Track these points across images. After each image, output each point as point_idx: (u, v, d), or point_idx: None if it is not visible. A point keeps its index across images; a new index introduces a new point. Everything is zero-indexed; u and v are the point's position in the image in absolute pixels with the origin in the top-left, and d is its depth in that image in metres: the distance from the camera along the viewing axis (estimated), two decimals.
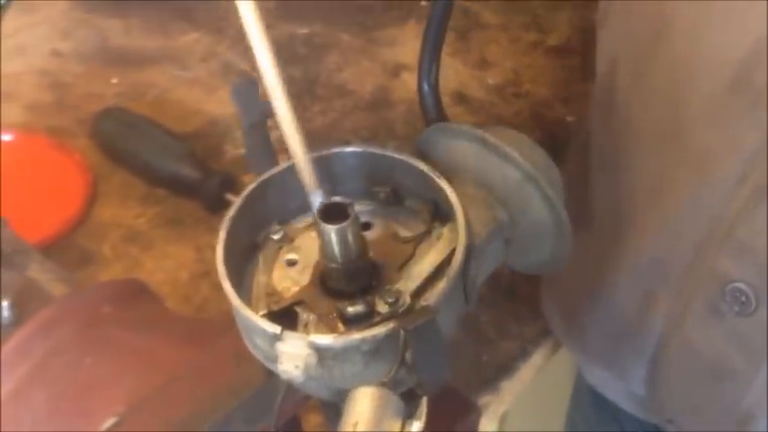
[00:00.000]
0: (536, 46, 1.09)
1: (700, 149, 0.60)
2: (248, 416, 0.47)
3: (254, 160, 0.49)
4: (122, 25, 1.09)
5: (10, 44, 1.04)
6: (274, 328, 0.41)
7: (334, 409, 0.46)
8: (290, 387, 0.44)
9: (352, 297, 0.44)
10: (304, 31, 1.06)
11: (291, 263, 0.47)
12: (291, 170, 0.48)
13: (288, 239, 0.48)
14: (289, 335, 0.41)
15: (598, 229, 0.72)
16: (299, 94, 0.99)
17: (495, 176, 0.49)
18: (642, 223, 0.66)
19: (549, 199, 0.48)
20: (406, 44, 1.07)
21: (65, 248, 0.84)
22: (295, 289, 0.45)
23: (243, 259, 0.47)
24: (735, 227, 0.59)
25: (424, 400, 0.39)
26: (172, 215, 0.88)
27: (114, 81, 1.02)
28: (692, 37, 0.58)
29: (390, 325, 0.41)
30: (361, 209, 0.49)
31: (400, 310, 0.43)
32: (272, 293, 0.46)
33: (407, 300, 0.43)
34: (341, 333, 0.42)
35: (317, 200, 0.44)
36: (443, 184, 0.46)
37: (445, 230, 0.47)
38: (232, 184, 0.86)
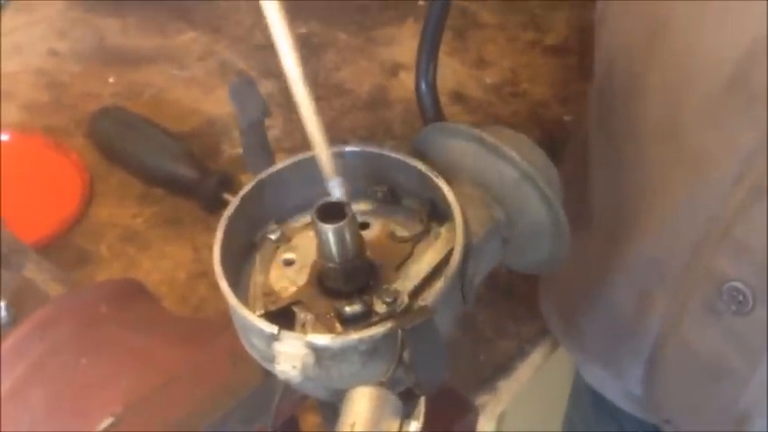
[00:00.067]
0: (534, 45, 1.09)
1: (697, 149, 0.60)
2: (245, 416, 0.47)
3: (251, 160, 0.49)
4: (119, 25, 1.09)
5: (7, 43, 1.04)
6: (271, 328, 0.41)
7: (331, 409, 0.46)
8: (287, 387, 0.44)
9: (349, 297, 0.44)
10: (302, 30, 1.06)
11: (289, 262, 0.47)
12: (289, 169, 0.48)
13: (285, 239, 0.48)
14: (286, 335, 0.41)
15: (596, 228, 0.72)
16: None
17: (492, 176, 0.48)
18: (640, 223, 0.66)
19: (547, 198, 0.48)
20: (404, 43, 1.07)
21: (62, 248, 0.84)
22: (292, 289, 0.45)
23: (240, 259, 0.47)
24: (732, 226, 0.59)
25: (422, 400, 0.39)
26: (169, 215, 0.88)
27: (111, 80, 1.02)
28: (688, 37, 0.58)
29: (388, 325, 0.41)
30: (358, 208, 0.48)
31: (398, 310, 0.43)
32: (269, 293, 0.46)
33: (405, 299, 0.43)
34: (338, 333, 0.42)
35: (335, 188, 0.44)
36: (441, 183, 0.46)
37: (443, 230, 0.47)
38: (229, 184, 0.86)
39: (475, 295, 0.47)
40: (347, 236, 0.42)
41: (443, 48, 0.59)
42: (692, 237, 0.62)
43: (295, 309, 0.44)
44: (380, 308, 0.43)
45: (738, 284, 0.60)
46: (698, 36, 0.57)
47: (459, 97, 1.01)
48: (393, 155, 0.48)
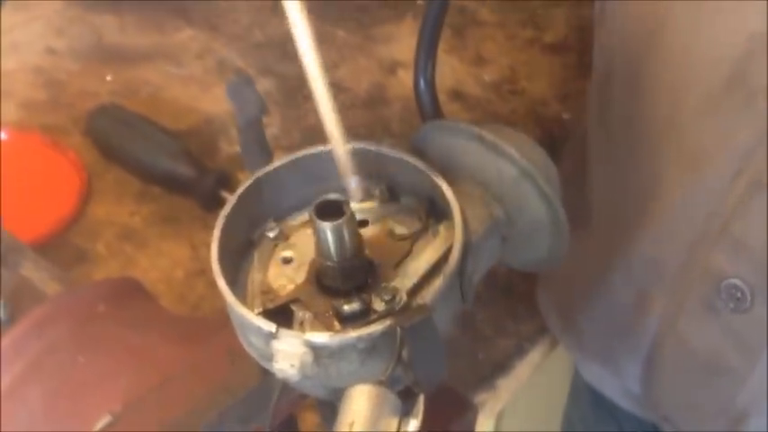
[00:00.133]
0: (532, 43, 1.08)
1: (695, 146, 0.60)
2: (243, 414, 0.47)
3: (249, 158, 0.49)
4: (117, 23, 1.08)
5: (4, 42, 1.04)
6: (269, 327, 0.41)
7: (330, 407, 0.46)
8: (285, 386, 0.44)
9: (348, 295, 0.44)
10: None
11: (287, 260, 0.47)
12: (287, 167, 0.48)
13: (283, 237, 0.48)
14: (284, 333, 0.41)
15: (594, 226, 0.72)
16: (294, 93, 0.99)
17: (491, 173, 0.48)
18: (638, 220, 0.66)
19: (547, 196, 0.48)
20: (403, 41, 1.07)
21: (59, 246, 0.84)
22: (290, 287, 0.45)
23: (238, 257, 0.47)
24: (729, 223, 0.59)
25: (421, 399, 0.39)
26: (167, 213, 0.88)
27: (109, 78, 1.01)
28: (686, 35, 0.58)
29: (387, 323, 0.41)
30: (356, 206, 0.48)
31: (397, 308, 0.43)
32: (267, 291, 0.45)
33: (404, 297, 0.43)
34: (337, 331, 0.42)
35: (352, 185, 0.44)
36: (440, 181, 0.46)
37: (441, 228, 0.47)
38: (227, 182, 0.86)
39: (474, 294, 0.46)
40: (346, 234, 0.42)
41: (442, 45, 0.59)
42: (691, 234, 0.62)
43: (293, 307, 0.44)
44: (379, 306, 0.43)
45: (737, 282, 0.60)
46: (696, 34, 0.57)
47: (457, 95, 1.01)
48: (392, 152, 0.48)
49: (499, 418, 0.97)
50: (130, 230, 0.86)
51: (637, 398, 0.77)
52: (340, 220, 0.42)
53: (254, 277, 0.46)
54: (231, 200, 0.46)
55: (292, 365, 0.40)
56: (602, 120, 0.70)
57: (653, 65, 0.61)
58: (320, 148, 0.48)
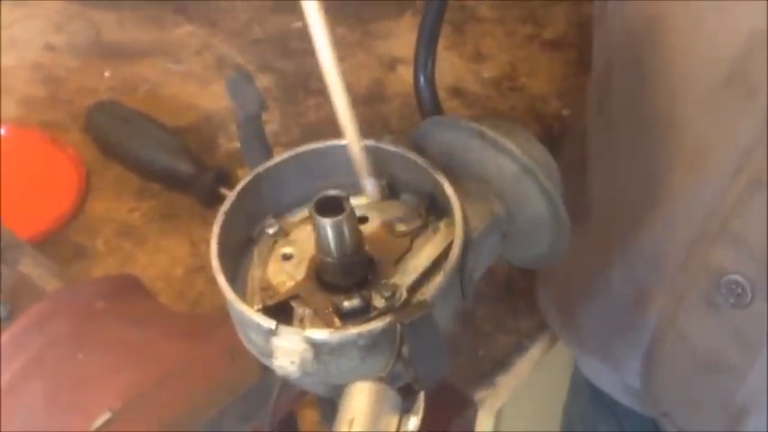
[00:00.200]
0: (532, 39, 1.08)
1: (695, 142, 0.60)
2: (243, 412, 0.46)
3: (248, 154, 0.49)
4: (116, 19, 1.08)
5: (4, 38, 1.04)
6: (269, 323, 0.41)
7: (330, 404, 0.46)
8: (285, 382, 0.44)
9: (348, 291, 0.43)
10: (298, 24, 1.05)
11: (287, 257, 0.47)
12: (286, 163, 0.48)
13: (283, 233, 0.48)
14: (284, 330, 0.41)
15: (594, 222, 0.72)
16: (293, 89, 0.99)
17: (492, 170, 0.48)
18: (638, 217, 0.66)
19: (548, 192, 0.48)
20: (402, 37, 1.07)
21: (58, 243, 0.84)
22: (290, 283, 0.45)
23: (237, 254, 0.47)
24: (730, 219, 0.59)
25: (422, 395, 0.39)
26: (166, 209, 0.88)
27: (108, 75, 1.01)
28: (686, 33, 0.58)
29: (387, 319, 0.41)
30: (356, 202, 0.48)
31: (397, 305, 0.42)
32: (266, 288, 0.45)
33: (404, 294, 0.43)
34: (337, 328, 0.42)
35: (368, 186, 0.44)
36: (440, 177, 0.46)
37: (442, 224, 0.47)
38: (226, 179, 0.86)
39: (474, 290, 0.46)
40: (346, 230, 0.42)
41: (441, 42, 0.59)
42: (690, 230, 0.62)
43: (293, 303, 0.44)
44: (379, 302, 0.43)
45: (737, 277, 0.61)
46: (696, 31, 0.57)
47: (457, 91, 1.01)
48: (392, 148, 0.48)
49: (499, 415, 0.97)
50: (129, 227, 0.86)
51: (636, 394, 0.77)
52: (340, 217, 0.41)
53: (254, 274, 0.46)
54: (231, 196, 0.46)
55: (292, 362, 0.40)
56: (601, 117, 0.70)
57: (653, 63, 0.61)
58: (320, 144, 0.48)
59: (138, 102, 0.96)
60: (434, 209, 0.47)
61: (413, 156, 0.47)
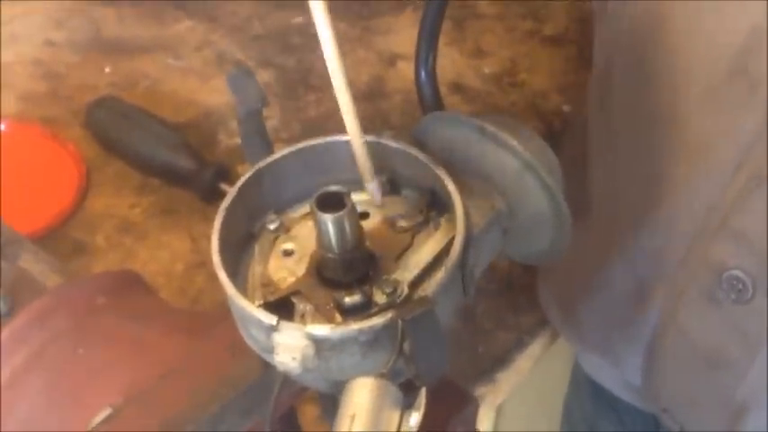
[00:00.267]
0: (532, 35, 1.08)
1: (697, 137, 0.60)
2: (244, 408, 0.46)
3: (249, 149, 0.49)
4: (116, 14, 1.08)
5: (4, 33, 1.04)
6: (270, 319, 0.41)
7: (331, 400, 0.46)
8: (286, 379, 0.44)
9: (349, 287, 0.43)
10: (298, 20, 1.05)
11: (288, 253, 0.46)
12: (287, 159, 0.48)
13: (284, 229, 0.47)
14: (285, 325, 0.41)
15: (595, 218, 0.72)
16: (294, 85, 0.99)
17: (493, 165, 0.48)
18: (639, 212, 0.66)
19: (549, 188, 0.47)
20: (402, 33, 1.07)
21: (58, 239, 0.84)
22: (291, 279, 0.45)
23: (238, 249, 0.47)
24: (730, 215, 0.59)
25: (423, 391, 0.39)
26: (166, 205, 0.88)
27: (108, 70, 1.01)
28: (688, 28, 0.58)
29: (388, 315, 0.41)
30: (357, 198, 0.48)
31: (398, 301, 0.42)
32: (267, 284, 0.45)
33: (405, 290, 0.43)
34: (338, 324, 0.42)
35: (372, 189, 0.44)
36: (441, 173, 0.46)
37: (443, 220, 0.47)
38: (226, 175, 0.86)
39: (475, 286, 0.46)
40: (347, 226, 0.42)
41: (442, 38, 0.59)
42: (691, 226, 0.62)
43: (294, 299, 0.44)
44: (380, 298, 0.43)
45: (738, 273, 0.61)
46: (698, 25, 0.57)
47: (457, 87, 1.01)
48: (393, 144, 0.48)
49: (499, 411, 0.97)
50: (130, 223, 0.86)
51: (637, 390, 0.77)
52: (341, 212, 0.41)
53: (255, 270, 0.46)
54: (232, 191, 0.46)
55: (293, 358, 0.40)
56: (602, 113, 0.70)
57: (654, 58, 0.61)
58: (321, 140, 0.48)
59: (139, 97, 0.96)
60: (435, 205, 0.47)
61: (414, 151, 0.47)
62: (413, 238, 0.46)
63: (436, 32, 0.58)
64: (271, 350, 0.41)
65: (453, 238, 0.44)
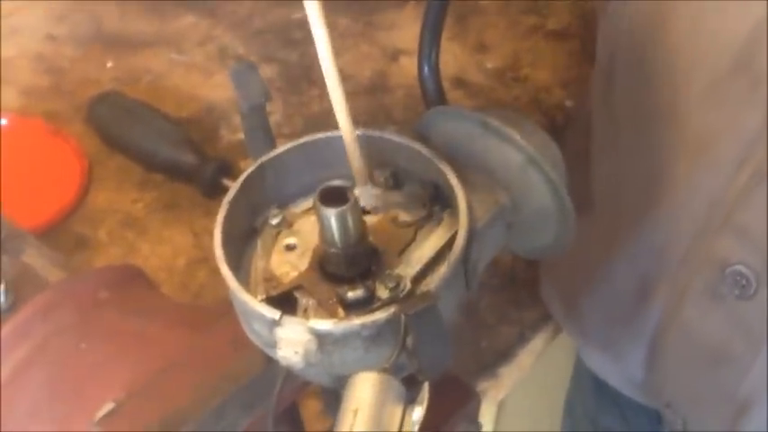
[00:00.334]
0: (535, 30, 1.08)
1: (700, 132, 0.59)
2: (246, 402, 0.46)
3: (252, 144, 0.48)
4: (118, 9, 1.08)
5: (5, 28, 1.04)
6: (273, 313, 0.41)
7: (333, 395, 0.46)
8: (289, 373, 0.44)
9: (351, 282, 0.43)
10: (300, 15, 1.05)
11: (290, 247, 0.46)
12: (290, 153, 0.48)
13: (286, 224, 0.47)
14: (288, 320, 0.41)
15: (598, 213, 0.72)
16: (296, 80, 0.99)
17: (496, 160, 0.48)
18: (642, 207, 0.66)
19: (553, 183, 0.47)
20: (405, 28, 1.06)
21: (60, 234, 0.84)
22: (294, 274, 0.45)
23: (241, 244, 0.47)
24: (734, 211, 0.59)
25: (426, 386, 0.39)
26: (168, 200, 0.88)
27: (110, 65, 1.01)
28: (692, 21, 0.57)
29: (391, 310, 0.41)
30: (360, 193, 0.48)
31: (401, 296, 0.42)
32: (270, 278, 0.45)
33: (408, 285, 0.43)
34: (341, 318, 0.42)
35: (364, 194, 0.45)
36: (445, 167, 0.46)
37: (446, 215, 0.47)
38: (228, 170, 0.86)
39: (478, 281, 0.46)
40: (349, 220, 0.42)
41: (444, 33, 0.58)
42: (694, 221, 0.62)
43: (297, 294, 0.44)
44: (383, 293, 0.43)
45: (741, 268, 0.60)
46: (701, 20, 0.57)
47: (460, 82, 1.01)
48: (396, 138, 0.48)
49: (501, 406, 0.97)
50: (132, 218, 0.86)
51: (639, 385, 0.77)
52: (344, 207, 0.41)
53: (258, 264, 0.46)
54: (235, 186, 0.46)
55: (296, 353, 0.40)
56: (605, 107, 0.69)
57: (657, 52, 0.60)
58: (324, 135, 0.48)
59: (141, 92, 0.96)
60: (438, 199, 0.47)
61: (417, 146, 0.47)
62: (416, 232, 0.46)
63: (439, 27, 0.57)
64: (273, 345, 0.41)
65: (456, 233, 0.44)
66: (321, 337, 0.41)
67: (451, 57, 1.03)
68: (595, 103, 0.72)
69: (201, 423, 0.45)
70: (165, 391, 0.46)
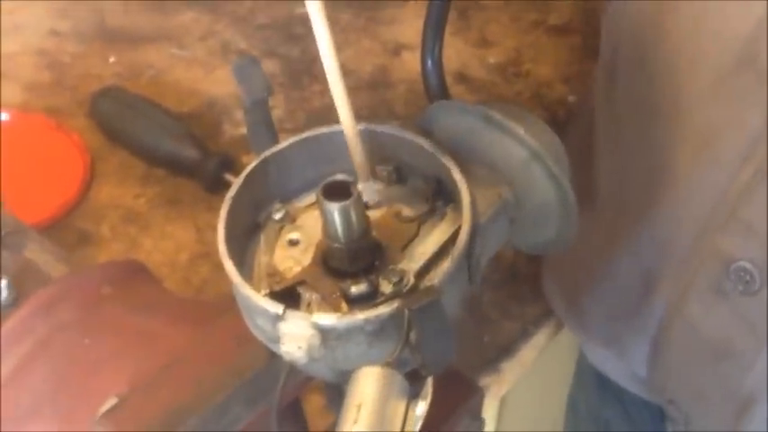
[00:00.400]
0: (537, 25, 1.08)
1: (704, 128, 0.59)
2: (249, 397, 0.46)
3: (255, 139, 0.48)
4: (120, 4, 1.08)
5: (7, 23, 1.04)
6: (276, 308, 0.41)
7: (337, 390, 0.46)
8: (292, 368, 0.44)
9: (355, 277, 0.43)
10: (302, 10, 1.05)
11: (293, 242, 0.46)
12: (293, 148, 0.48)
13: (290, 219, 0.47)
14: (291, 315, 0.41)
15: (600, 208, 0.72)
16: (298, 75, 0.99)
17: (499, 154, 0.48)
18: (645, 203, 0.66)
19: (556, 178, 0.47)
20: (407, 23, 1.06)
21: (63, 229, 0.84)
22: (297, 269, 0.45)
23: (244, 239, 0.47)
24: (738, 207, 0.59)
25: (429, 381, 0.39)
26: (171, 195, 0.88)
27: (112, 60, 1.01)
28: (696, 17, 0.57)
29: (394, 305, 0.40)
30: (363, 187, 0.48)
31: (404, 290, 0.42)
32: (273, 274, 0.45)
33: (411, 280, 0.43)
34: (344, 313, 0.42)
35: (367, 189, 0.44)
36: (448, 161, 0.46)
37: (449, 210, 0.47)
38: (231, 165, 0.86)
39: (481, 276, 0.46)
40: (353, 215, 0.42)
41: (447, 27, 0.58)
42: (698, 217, 0.62)
43: (300, 289, 0.44)
44: (386, 288, 0.43)
45: (746, 264, 0.60)
46: (705, 16, 0.57)
47: (462, 77, 1.01)
48: (399, 133, 0.48)
49: (503, 401, 0.97)
50: (134, 213, 0.86)
51: (642, 381, 0.77)
52: (347, 201, 0.41)
53: (261, 260, 0.46)
54: (238, 181, 0.46)
55: (299, 348, 0.40)
56: (608, 103, 0.69)
57: (659, 51, 0.60)
58: (327, 129, 0.48)
59: (143, 87, 0.96)
60: (441, 194, 0.47)
61: (420, 140, 0.47)
62: (419, 227, 0.46)
63: (443, 21, 0.57)
64: (276, 340, 0.41)
65: (459, 228, 0.43)
66: (324, 332, 0.41)
67: (454, 52, 1.03)
68: (598, 99, 0.71)
69: (205, 418, 0.45)
70: (169, 387, 0.46)
